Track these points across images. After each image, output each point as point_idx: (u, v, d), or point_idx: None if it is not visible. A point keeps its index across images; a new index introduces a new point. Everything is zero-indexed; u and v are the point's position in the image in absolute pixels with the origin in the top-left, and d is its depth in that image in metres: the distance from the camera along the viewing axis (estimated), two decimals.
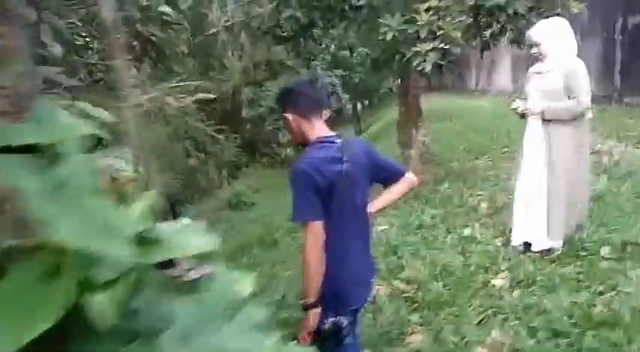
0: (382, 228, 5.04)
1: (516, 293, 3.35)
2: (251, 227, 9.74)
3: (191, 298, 0.73)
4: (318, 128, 2.16)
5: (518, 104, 3.82)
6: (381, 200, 2.37)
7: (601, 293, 3.11)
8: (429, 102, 10.02)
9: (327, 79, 12.06)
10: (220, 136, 10.87)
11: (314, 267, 2.02)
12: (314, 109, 2.16)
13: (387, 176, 2.33)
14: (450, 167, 7.03)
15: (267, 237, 8.33)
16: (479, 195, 5.67)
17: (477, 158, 7.51)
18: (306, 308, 2.06)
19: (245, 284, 0.78)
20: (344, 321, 2.10)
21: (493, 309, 3.19)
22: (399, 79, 6.90)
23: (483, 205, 5.25)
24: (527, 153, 3.85)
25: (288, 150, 20.72)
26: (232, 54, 15.75)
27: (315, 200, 1.99)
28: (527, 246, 3.93)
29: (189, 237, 0.77)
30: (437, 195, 5.84)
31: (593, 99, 3.87)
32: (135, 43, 3.04)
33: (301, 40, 6.89)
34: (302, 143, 2.20)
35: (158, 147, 12.51)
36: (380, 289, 3.78)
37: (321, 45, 11.25)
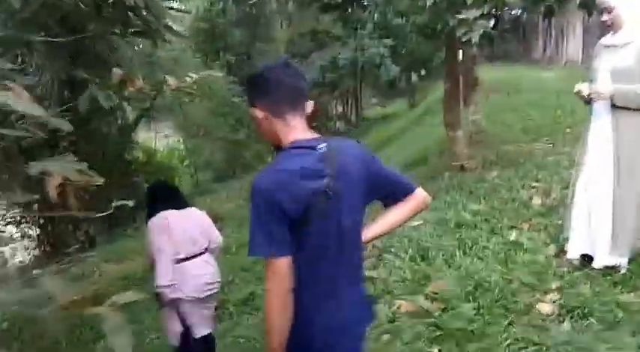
0: (413, 224, 4.42)
1: (566, 325, 2.68)
2: None
3: None
4: (294, 129, 1.58)
5: (582, 87, 3.06)
6: (379, 225, 1.78)
7: None
8: (485, 74, 9.08)
9: (374, 50, 11.24)
10: None
11: (276, 318, 1.50)
12: (291, 103, 1.58)
13: (390, 193, 1.73)
14: (503, 150, 6.23)
15: None
16: (533, 186, 4.91)
17: (535, 140, 6.65)
18: None
19: None
20: None
21: (534, 347, 2.55)
22: (446, 49, 6.11)
23: (536, 201, 4.50)
24: (592, 147, 3.12)
25: (338, 123, 20.12)
26: (281, 24, 15.27)
27: (281, 230, 1.45)
28: (586, 259, 3.23)
29: None
30: (483, 185, 5.12)
31: None
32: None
33: (349, 7, 6.32)
34: (277, 147, 1.65)
35: (202, 122, 12.38)
36: (402, 305, 3.22)
37: (370, 13, 10.47)
